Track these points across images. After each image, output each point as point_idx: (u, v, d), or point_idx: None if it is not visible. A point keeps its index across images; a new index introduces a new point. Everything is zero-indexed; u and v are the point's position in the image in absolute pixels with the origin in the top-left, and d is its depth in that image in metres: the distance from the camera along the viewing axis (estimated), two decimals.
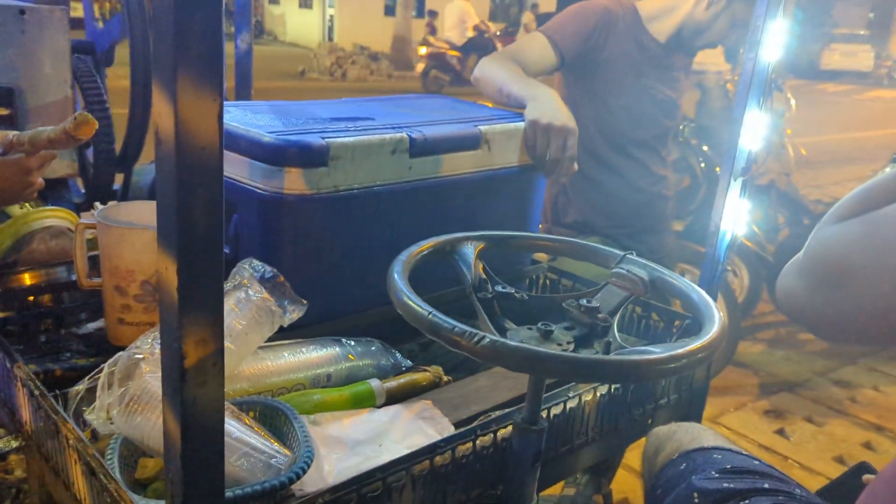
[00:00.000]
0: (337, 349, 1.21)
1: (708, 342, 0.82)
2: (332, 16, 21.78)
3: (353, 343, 1.23)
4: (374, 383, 1.16)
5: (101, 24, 1.88)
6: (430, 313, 0.82)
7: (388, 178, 1.28)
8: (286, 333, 1.15)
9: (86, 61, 1.78)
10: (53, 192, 1.80)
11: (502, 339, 0.78)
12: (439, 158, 1.35)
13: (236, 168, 1.23)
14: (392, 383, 1.19)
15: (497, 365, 0.79)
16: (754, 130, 1.28)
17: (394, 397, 1.17)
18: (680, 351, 0.79)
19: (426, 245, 1.03)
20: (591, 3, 1.99)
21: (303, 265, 1.22)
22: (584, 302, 0.98)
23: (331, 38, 20.89)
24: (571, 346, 0.93)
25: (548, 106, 1.52)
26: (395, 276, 0.92)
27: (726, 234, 1.35)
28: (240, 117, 1.31)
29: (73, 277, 1.45)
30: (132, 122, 1.76)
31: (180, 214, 0.66)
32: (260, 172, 1.19)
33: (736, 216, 1.34)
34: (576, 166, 1.50)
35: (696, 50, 2.06)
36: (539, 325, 0.93)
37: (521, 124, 1.50)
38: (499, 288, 1.00)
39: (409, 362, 1.28)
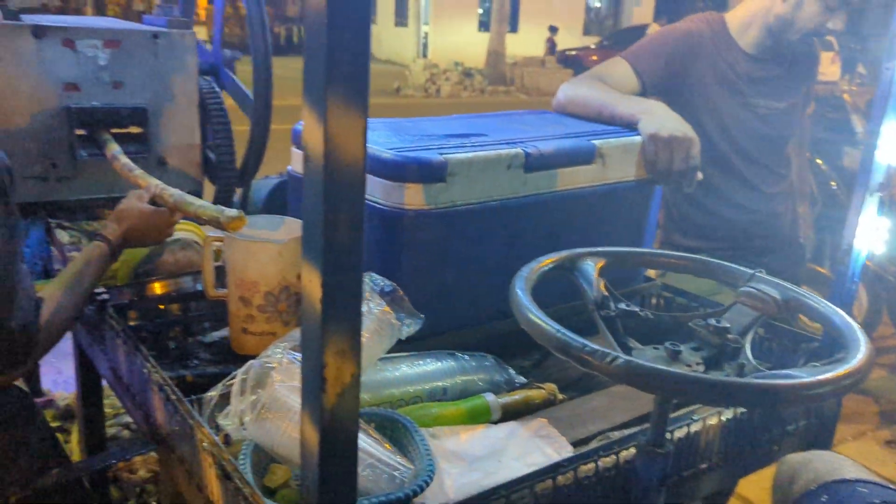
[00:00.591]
0: (452, 363, 1.21)
1: (856, 368, 0.78)
2: (426, 33, 22.16)
3: (467, 357, 1.24)
4: (490, 398, 1.16)
5: (223, 47, 1.98)
6: (558, 331, 0.82)
7: (503, 193, 1.28)
8: (402, 346, 1.17)
9: (210, 81, 1.87)
10: None
11: (636, 360, 0.76)
12: (554, 173, 1.34)
13: None
14: (507, 399, 1.18)
15: (629, 385, 0.78)
16: (893, 143, 1.21)
17: (508, 413, 1.17)
18: (827, 376, 0.75)
19: (547, 261, 1.02)
20: (673, 27, 1.94)
21: (419, 279, 1.23)
22: (712, 322, 0.95)
23: (425, 55, 21.24)
24: (701, 368, 0.90)
25: (665, 118, 1.49)
26: (519, 291, 0.91)
27: (860, 254, 1.27)
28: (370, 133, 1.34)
29: (200, 288, 1.52)
30: (252, 139, 1.84)
31: (326, 229, 0.68)
32: (380, 188, 1.21)
33: (870, 234, 1.27)
34: (700, 175, 1.47)
35: (795, 50, 1.94)
36: (666, 344, 0.91)
37: (637, 139, 1.47)
38: (622, 306, 0.98)
39: (522, 378, 1.27)
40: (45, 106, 1.62)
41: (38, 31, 1.58)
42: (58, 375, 3.21)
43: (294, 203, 1.47)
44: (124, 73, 1.69)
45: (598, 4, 24.60)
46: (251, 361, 1.01)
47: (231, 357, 1.35)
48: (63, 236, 1.70)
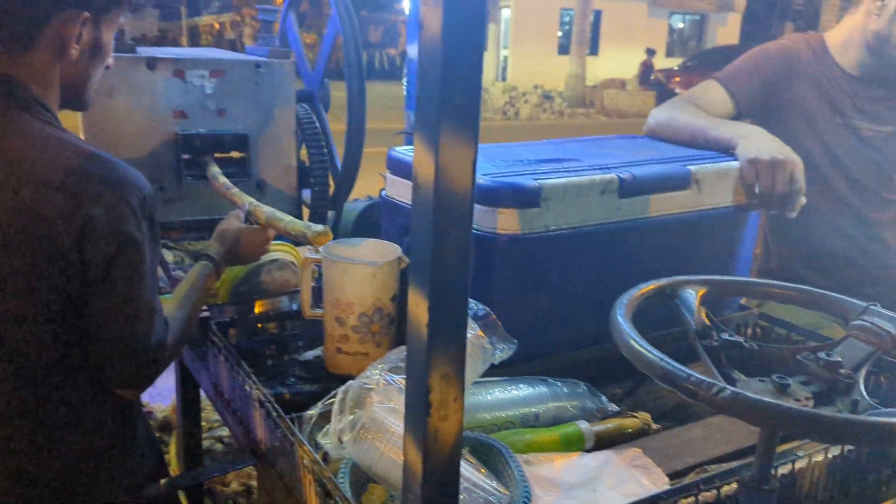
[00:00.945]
0: (544, 389, 1.21)
1: None
2: (505, 56, 22.29)
3: (559, 384, 1.23)
4: (584, 426, 1.15)
5: (312, 69, 2.05)
6: (662, 360, 0.81)
7: (596, 218, 1.27)
8: (495, 371, 1.17)
9: (306, 108, 1.94)
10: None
11: (744, 392, 0.75)
12: (648, 199, 1.33)
13: None
14: (600, 427, 1.17)
15: (737, 418, 0.76)
16: None
17: (602, 442, 1.15)
18: None
19: (647, 288, 1.01)
20: (769, 46, 1.88)
21: (512, 304, 1.24)
22: (822, 356, 0.91)
23: (504, 78, 21.36)
24: (811, 403, 0.86)
25: (764, 142, 1.46)
26: (620, 318, 0.91)
27: None
28: None
29: (296, 307, 1.57)
30: (346, 163, 1.89)
31: (434, 255, 0.70)
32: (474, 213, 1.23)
33: None
34: (803, 199, 1.43)
35: None
36: (773, 377, 0.88)
37: (734, 163, 1.44)
38: (725, 336, 0.96)
39: (615, 406, 1.25)
40: (155, 132, 1.71)
41: (152, 63, 1.68)
42: (153, 388, 3.36)
43: (387, 226, 1.50)
44: (228, 100, 1.77)
45: (680, 25, 24.22)
46: (350, 382, 1.04)
47: (325, 376, 1.39)
48: (168, 256, 1.79)
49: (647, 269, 1.19)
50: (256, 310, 1.58)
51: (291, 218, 1.48)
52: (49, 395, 1.17)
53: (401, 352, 1.11)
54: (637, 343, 0.84)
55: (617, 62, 20.74)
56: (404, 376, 1.05)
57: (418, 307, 0.72)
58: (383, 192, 1.50)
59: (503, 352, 1.15)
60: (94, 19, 1.14)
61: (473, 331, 1.13)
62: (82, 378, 1.19)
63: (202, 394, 1.90)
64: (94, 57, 1.18)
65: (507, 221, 1.20)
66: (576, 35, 17.89)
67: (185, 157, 1.74)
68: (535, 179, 1.22)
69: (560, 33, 21.99)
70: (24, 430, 1.17)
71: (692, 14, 23.79)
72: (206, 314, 1.59)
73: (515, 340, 1.16)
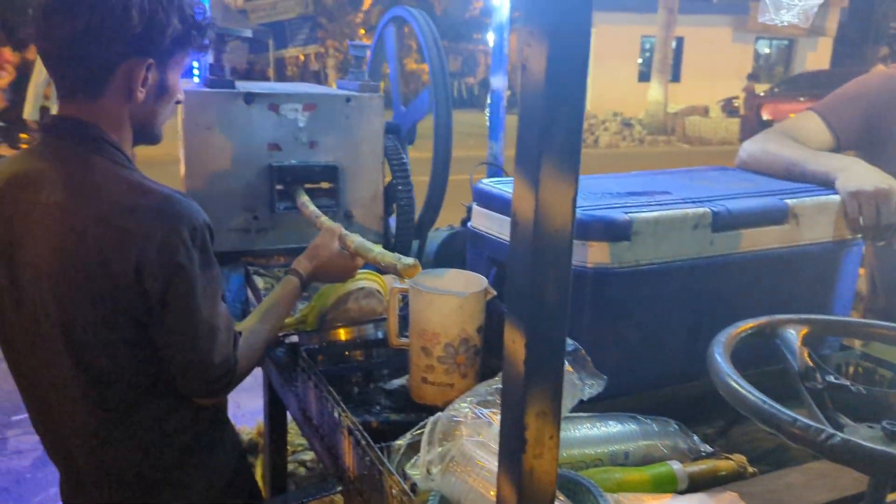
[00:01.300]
0: (634, 426, 1.18)
1: None
2: None
3: (649, 421, 1.20)
4: (676, 466, 1.12)
5: (405, 108, 2.10)
6: (764, 402, 0.78)
7: (689, 253, 1.25)
8: (583, 407, 1.16)
9: (393, 140, 1.98)
10: None
11: (854, 439, 0.71)
12: (742, 233, 1.29)
13: None
14: (693, 468, 1.13)
15: (846, 465, 0.72)
16: None
17: (695, 484, 1.12)
18: None
19: (746, 326, 0.98)
20: (869, 76, 1.81)
21: (601, 339, 1.22)
22: None
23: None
24: None
25: (866, 173, 1.40)
26: (718, 357, 0.88)
27: None
28: None
29: (381, 335, 1.60)
30: (431, 193, 1.92)
31: (533, 291, 0.70)
32: None
33: None
34: None
35: None
36: (884, 423, 0.84)
37: (834, 197, 1.39)
38: (831, 378, 0.92)
39: (708, 447, 1.21)
40: (251, 164, 1.78)
41: (249, 98, 1.76)
42: (237, 409, 3.45)
43: (472, 257, 1.51)
44: (319, 133, 1.83)
45: (767, 50, 23.60)
46: (439, 414, 1.04)
47: (411, 405, 1.40)
48: (259, 282, 1.85)
49: (741, 306, 1.15)
50: (343, 337, 1.61)
51: (381, 249, 1.52)
52: (133, 411, 1.26)
53: (490, 385, 1.11)
54: (738, 384, 0.81)
55: (700, 89, 20.33)
56: (493, 410, 1.06)
57: (515, 343, 0.73)
58: (468, 224, 1.52)
59: (592, 388, 1.14)
60: (157, 63, 1.20)
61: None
62: (162, 391, 1.27)
63: (288, 417, 1.95)
64: (161, 97, 1.24)
65: (597, 255, 1.19)
66: (657, 62, 17.65)
67: (278, 187, 1.80)
68: (626, 213, 1.20)
69: (640, 60, 21.76)
70: (112, 444, 1.26)
71: (780, 39, 23.15)
72: (294, 340, 1.64)
73: (605, 376, 1.14)
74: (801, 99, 14.19)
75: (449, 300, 1.34)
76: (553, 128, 0.67)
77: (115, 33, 1.13)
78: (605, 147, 15.84)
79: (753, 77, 17.39)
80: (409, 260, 1.46)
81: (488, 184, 1.46)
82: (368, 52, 2.06)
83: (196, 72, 2.36)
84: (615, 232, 1.19)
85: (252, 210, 1.81)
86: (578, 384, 1.12)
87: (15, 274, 1.18)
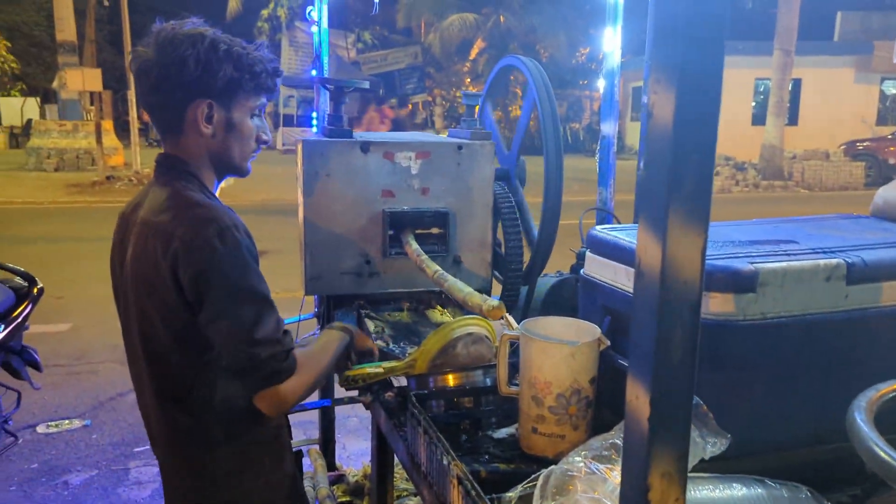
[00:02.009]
0: (761, 491, 1.11)
1: None
2: None
3: (778, 486, 1.12)
4: None
5: (508, 150, 2.11)
6: None
7: (821, 306, 1.17)
8: (706, 466, 1.09)
9: (503, 186, 1.99)
10: None
11: None
12: (881, 286, 1.21)
13: None
14: None
15: None
16: None
17: None
18: None
19: (890, 388, 0.90)
20: None
21: (725, 395, 1.16)
22: None
23: None
24: None
25: None
26: (860, 421, 0.82)
27: None
28: None
29: (490, 382, 1.58)
30: (539, 242, 1.91)
31: (658, 346, 0.67)
32: None
33: None
34: None
35: None
36: None
37: None
38: None
39: None
40: (365, 210, 1.83)
41: (366, 147, 1.82)
42: (343, 451, 3.51)
43: (585, 305, 1.48)
44: (431, 180, 1.87)
45: (894, 91, 22.30)
46: (552, 467, 1.01)
47: (520, 456, 1.37)
48: (369, 325, 1.88)
49: (880, 365, 1.07)
50: (452, 382, 1.61)
51: (470, 290, 1.57)
52: (189, 417, 1.39)
53: (605, 439, 1.07)
54: (884, 451, 0.75)
55: (819, 132, 19.42)
56: (609, 466, 1.02)
57: (638, 399, 0.70)
58: (581, 271, 1.49)
59: (715, 446, 1.08)
60: (219, 104, 1.39)
61: None
62: (218, 398, 1.37)
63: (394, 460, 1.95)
64: (230, 133, 1.43)
65: (719, 306, 1.14)
66: (773, 104, 17.01)
67: (390, 232, 1.84)
68: (751, 262, 1.15)
69: (754, 103, 21.06)
70: (174, 448, 1.44)
71: None
72: (403, 384, 1.65)
73: (728, 435, 1.08)
74: None
75: (561, 349, 1.32)
76: (682, 176, 0.65)
77: (175, 81, 1.35)
78: (718, 192, 15.30)
79: (881, 119, 16.39)
80: (494, 301, 1.48)
81: (602, 230, 1.43)
82: (480, 101, 2.09)
83: (314, 122, 2.47)
84: (740, 283, 1.13)
85: (364, 255, 1.85)
86: (700, 442, 1.07)
87: (123, 277, 1.43)
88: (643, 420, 0.69)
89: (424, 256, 1.74)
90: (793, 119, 19.43)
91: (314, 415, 2.97)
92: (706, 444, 1.08)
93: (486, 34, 24.24)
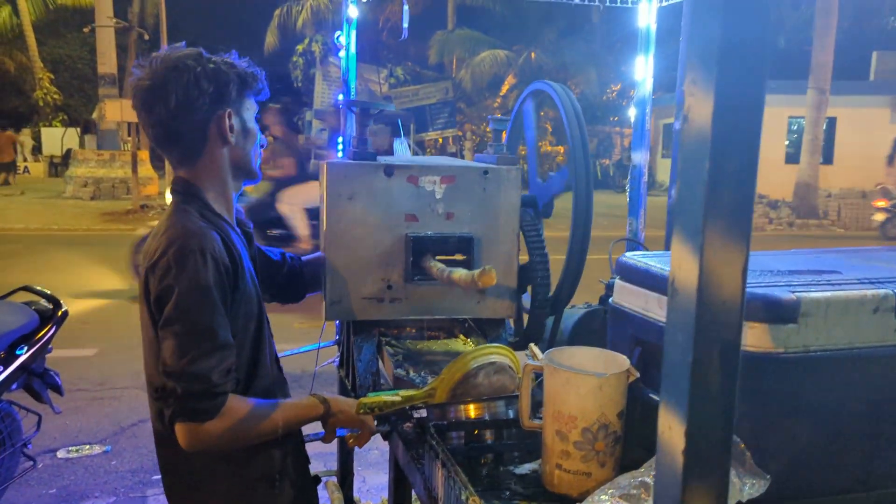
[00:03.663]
0: None
1: None
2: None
3: None
4: None
5: (542, 181, 2.06)
6: None
7: (869, 339, 1.09)
8: None
9: (529, 213, 1.94)
10: (492, 329, 1.95)
11: None
12: None
13: None
14: None
15: None
16: None
17: None
18: None
19: None
20: None
21: (763, 433, 1.08)
22: None
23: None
24: None
25: None
26: None
27: None
28: None
29: (513, 415, 1.51)
30: (567, 269, 1.84)
31: (694, 370, 0.61)
32: None
33: None
34: None
35: None
36: None
37: None
38: None
39: None
40: (388, 234, 1.79)
41: (389, 170, 1.78)
42: (363, 484, 3.42)
43: (613, 336, 1.41)
44: (456, 205, 1.82)
45: None
46: None
47: (543, 493, 1.30)
48: (389, 352, 1.83)
49: None
50: (472, 414, 1.54)
51: (459, 271, 1.60)
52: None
53: (633, 477, 1.00)
54: None
55: (855, 171, 19.10)
56: None
57: (672, 430, 0.63)
58: (610, 300, 1.43)
59: (753, 488, 1.00)
60: (234, 111, 1.44)
61: None
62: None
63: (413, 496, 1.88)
64: (246, 138, 1.49)
65: (757, 338, 1.07)
66: (806, 143, 16.81)
67: (412, 258, 1.80)
68: (792, 292, 1.08)
69: (787, 142, 20.83)
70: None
71: None
72: (423, 413, 1.59)
73: (768, 476, 1.00)
74: None
75: (588, 380, 1.25)
76: (721, 185, 0.59)
77: (196, 101, 1.38)
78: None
79: None
80: (486, 267, 1.46)
81: (633, 257, 1.37)
82: (508, 127, 2.05)
83: (340, 147, 2.45)
84: (780, 312, 1.06)
85: (387, 280, 1.80)
86: (737, 482, 0.99)
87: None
88: (677, 454, 0.62)
89: (448, 270, 1.70)
90: (828, 158, 19.15)
91: (334, 445, 2.91)
92: (743, 486, 1.00)
93: (517, 70, 24.44)
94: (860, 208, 16.49)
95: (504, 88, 25.01)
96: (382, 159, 1.83)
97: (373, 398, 1.52)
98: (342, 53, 2.46)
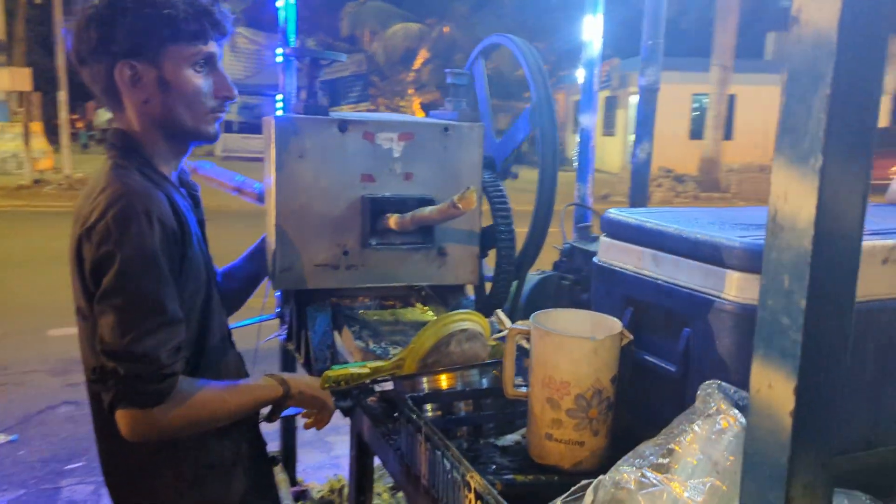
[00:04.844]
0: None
1: None
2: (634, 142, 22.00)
3: (837, 494, 0.99)
4: None
5: (498, 140, 1.96)
6: None
7: (877, 291, 1.06)
8: None
9: (491, 174, 1.84)
10: (452, 296, 1.85)
11: None
12: None
13: (694, 276, 1.11)
14: None
15: None
16: None
17: None
18: None
19: None
20: None
21: None
22: None
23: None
24: None
25: None
26: None
27: None
28: (681, 222, 1.20)
29: (485, 383, 1.42)
30: (532, 233, 1.76)
31: (808, 319, 0.53)
32: (729, 281, 1.04)
33: None
34: None
35: None
36: None
37: None
38: None
39: None
40: (342, 196, 1.65)
41: (343, 126, 1.64)
42: (304, 464, 3.28)
43: (600, 297, 1.34)
44: (415, 164, 1.70)
45: None
46: (601, 478, 0.86)
47: (532, 466, 1.21)
48: (346, 323, 1.70)
49: None
50: (444, 384, 1.44)
51: (431, 207, 1.52)
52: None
53: (657, 444, 0.92)
54: None
55: (753, 147, 20.01)
56: (669, 476, 0.87)
57: (772, 389, 0.55)
58: (595, 259, 1.35)
59: None
60: (141, 62, 1.25)
61: (743, 423, 0.93)
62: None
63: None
64: (167, 92, 1.28)
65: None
66: (711, 119, 17.45)
67: (370, 221, 1.67)
68: None
69: (691, 118, 21.58)
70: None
71: None
72: (390, 386, 1.48)
73: None
74: None
75: (582, 344, 1.17)
76: (847, 97, 0.50)
77: (90, 47, 1.24)
78: (659, 203, 15.56)
79: None
80: (467, 191, 1.35)
81: (622, 213, 1.29)
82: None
83: (280, 106, 2.28)
84: None
85: (342, 245, 1.67)
86: None
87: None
88: (782, 416, 0.54)
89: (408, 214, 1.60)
90: (728, 134, 19.96)
91: (276, 424, 2.75)
92: None
93: (430, 44, 24.24)
94: (758, 182, 17.29)
95: (417, 62, 24.76)
96: (336, 114, 1.68)
97: (338, 370, 1.40)
98: (280, 2, 2.27)
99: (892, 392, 1.07)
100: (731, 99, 20.14)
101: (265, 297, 2.13)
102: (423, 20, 24.26)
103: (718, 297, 1.06)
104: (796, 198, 0.52)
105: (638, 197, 2.01)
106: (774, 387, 0.55)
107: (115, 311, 1.15)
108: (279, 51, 2.33)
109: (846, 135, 0.51)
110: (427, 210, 1.53)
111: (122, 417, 1.17)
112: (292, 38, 2.33)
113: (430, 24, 24.25)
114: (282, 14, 2.30)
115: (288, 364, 2.15)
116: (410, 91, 25.20)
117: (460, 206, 1.34)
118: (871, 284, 1.05)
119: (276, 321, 2.20)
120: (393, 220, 1.61)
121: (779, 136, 0.54)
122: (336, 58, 1.67)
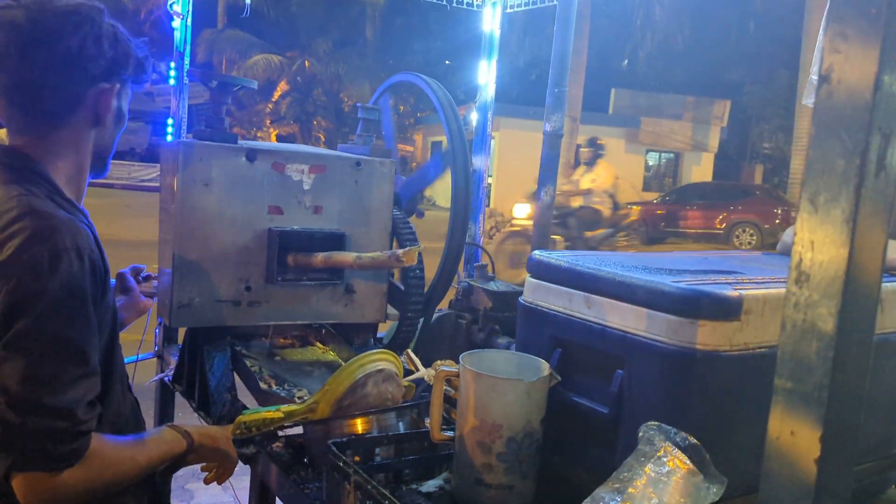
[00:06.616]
0: None
1: None
2: (489, 184, 22.76)
3: None
4: None
5: (404, 177, 1.94)
6: None
7: None
8: None
9: (395, 210, 1.81)
10: (357, 336, 1.79)
11: None
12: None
13: (628, 319, 1.13)
14: None
15: None
16: None
17: None
18: None
19: None
20: None
21: (710, 433, 1.06)
22: None
23: (488, 205, 21.70)
24: None
25: None
26: None
27: None
28: (611, 266, 1.23)
29: (401, 427, 1.38)
30: (442, 270, 1.75)
31: (836, 366, 0.54)
32: (665, 325, 1.07)
33: None
34: None
35: None
36: None
37: None
38: None
39: None
40: (248, 228, 1.56)
41: (252, 155, 1.55)
42: None
43: (526, 337, 1.33)
44: (325, 197, 1.64)
45: (652, 163, 25.15)
46: None
47: None
48: (246, 363, 1.59)
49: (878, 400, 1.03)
50: (359, 428, 1.38)
51: (373, 253, 1.51)
52: None
53: (614, 491, 0.92)
54: None
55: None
56: None
57: (795, 436, 0.56)
58: (521, 299, 1.35)
59: (715, 494, 0.97)
60: (120, 90, 1.21)
61: (686, 465, 0.95)
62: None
63: None
64: (118, 124, 1.25)
65: (707, 336, 1.05)
66: (561, 165, 18.42)
67: (276, 255, 1.58)
68: (735, 289, 1.07)
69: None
70: None
71: (667, 152, 24.79)
72: (292, 434, 1.39)
73: (725, 479, 0.98)
74: (691, 207, 15.95)
75: (515, 386, 1.16)
76: (881, 155, 0.53)
77: (91, 59, 1.12)
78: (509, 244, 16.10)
79: (646, 186, 18.46)
80: (411, 247, 1.38)
81: (548, 255, 1.31)
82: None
83: (170, 127, 2.12)
84: (727, 310, 1.05)
85: (244, 280, 1.57)
86: (703, 490, 0.95)
87: None
88: (806, 462, 0.55)
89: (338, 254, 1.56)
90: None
91: None
92: (709, 493, 0.96)
93: (290, 77, 23.95)
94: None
95: (276, 94, 24.37)
96: (244, 143, 1.60)
97: (252, 415, 1.30)
98: (176, 23, 2.14)
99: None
100: (578, 147, 21.40)
101: (143, 335, 1.96)
102: (284, 53, 23.99)
103: (654, 340, 1.09)
104: (827, 250, 0.54)
105: (541, 238, 2.06)
106: (798, 434, 0.55)
107: (28, 358, 0.99)
108: (173, 73, 2.19)
109: (876, 193, 0.53)
110: (366, 256, 1.48)
111: (23, 483, 1.00)
112: (187, 60, 2.20)
113: (290, 58, 24.00)
114: (177, 35, 2.17)
115: (166, 407, 1.98)
116: (268, 122, 24.69)
117: (404, 260, 1.31)
118: None
119: (154, 360, 2.03)
120: (350, 259, 1.54)
121: (806, 187, 0.56)
122: (247, 84, 1.59)
